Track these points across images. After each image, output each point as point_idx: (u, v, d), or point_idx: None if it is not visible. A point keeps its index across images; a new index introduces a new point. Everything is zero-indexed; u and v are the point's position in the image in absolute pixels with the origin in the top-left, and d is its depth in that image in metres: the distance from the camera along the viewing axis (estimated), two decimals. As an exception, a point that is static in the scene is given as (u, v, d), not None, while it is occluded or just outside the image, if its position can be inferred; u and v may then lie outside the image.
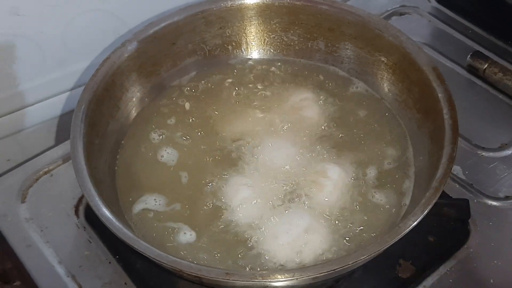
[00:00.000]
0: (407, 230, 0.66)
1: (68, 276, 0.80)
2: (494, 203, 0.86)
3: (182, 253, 0.75)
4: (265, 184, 0.81)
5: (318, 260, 0.73)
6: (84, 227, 0.85)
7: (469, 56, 1.02)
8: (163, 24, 0.89)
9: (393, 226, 0.75)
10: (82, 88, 0.82)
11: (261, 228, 0.77)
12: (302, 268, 0.70)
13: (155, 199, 0.81)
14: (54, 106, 1.05)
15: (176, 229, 0.77)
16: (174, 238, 0.77)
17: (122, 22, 1.01)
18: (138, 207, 0.80)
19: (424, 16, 1.12)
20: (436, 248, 0.81)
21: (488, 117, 0.97)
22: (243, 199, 0.79)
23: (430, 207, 0.68)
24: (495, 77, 0.99)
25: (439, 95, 0.78)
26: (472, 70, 1.02)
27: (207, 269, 0.65)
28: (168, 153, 0.86)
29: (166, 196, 0.81)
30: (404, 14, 1.13)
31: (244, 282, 0.65)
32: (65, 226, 0.85)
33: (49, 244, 0.83)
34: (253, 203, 0.79)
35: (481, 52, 1.02)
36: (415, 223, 0.67)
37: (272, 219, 0.77)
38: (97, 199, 0.70)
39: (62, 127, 1.07)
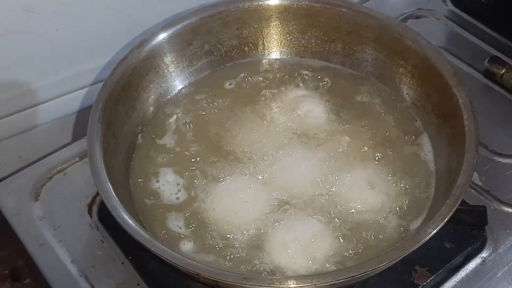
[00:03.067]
0: (427, 238, 0.66)
1: (81, 276, 0.80)
2: (511, 210, 0.85)
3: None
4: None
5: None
6: (97, 227, 0.85)
7: (486, 60, 1.01)
8: (180, 24, 0.88)
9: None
10: (96, 86, 0.81)
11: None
12: (320, 274, 0.69)
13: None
14: (67, 104, 1.05)
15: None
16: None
17: (136, 22, 1.00)
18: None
19: (440, 20, 1.12)
20: (452, 255, 0.80)
21: (505, 123, 0.96)
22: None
23: (450, 214, 0.67)
24: (512, 83, 0.98)
25: (460, 101, 0.77)
26: (489, 75, 1.01)
27: (225, 273, 0.64)
28: (188, 154, 0.85)
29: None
30: (420, 17, 1.12)
31: (262, 287, 0.64)
32: (78, 226, 0.85)
33: (61, 243, 0.83)
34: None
35: (498, 57, 1.02)
36: (435, 230, 0.66)
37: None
38: (114, 200, 0.69)
39: (76, 126, 1.07)
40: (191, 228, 0.77)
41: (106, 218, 0.83)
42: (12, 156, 1.03)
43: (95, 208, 0.86)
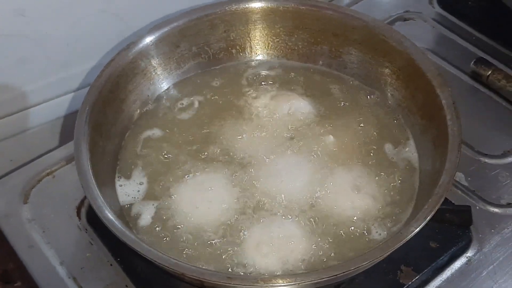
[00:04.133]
0: (410, 236, 0.66)
1: (69, 278, 0.80)
2: (496, 210, 0.86)
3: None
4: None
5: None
6: (86, 229, 0.85)
7: (472, 62, 1.01)
8: (168, 27, 0.89)
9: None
10: (86, 89, 0.82)
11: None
12: (304, 273, 0.70)
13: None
14: (58, 107, 1.05)
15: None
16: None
17: (126, 24, 1.01)
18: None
19: (428, 22, 1.12)
20: (438, 254, 0.80)
21: (491, 123, 0.96)
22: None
23: (432, 213, 0.68)
24: (498, 84, 0.98)
25: (443, 101, 0.78)
26: (475, 76, 1.01)
27: (209, 272, 0.65)
28: (169, 155, 0.86)
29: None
30: (408, 20, 1.12)
31: (246, 286, 0.64)
32: (67, 228, 0.85)
33: (50, 245, 0.83)
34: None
35: (484, 58, 1.02)
36: (418, 229, 0.67)
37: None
38: (99, 201, 0.70)
39: (65, 128, 1.07)
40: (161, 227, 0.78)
41: (94, 220, 0.83)
42: (3, 159, 1.04)
43: (83, 210, 0.87)
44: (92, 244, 0.83)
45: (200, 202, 0.79)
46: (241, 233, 0.77)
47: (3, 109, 0.99)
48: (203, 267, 0.70)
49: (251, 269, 0.73)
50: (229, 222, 0.78)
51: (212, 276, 0.64)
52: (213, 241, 0.76)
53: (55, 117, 1.06)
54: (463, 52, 1.06)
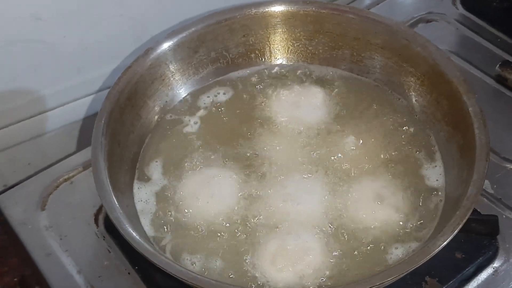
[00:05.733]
0: (436, 250, 0.65)
1: (87, 286, 0.79)
2: (523, 218, 0.84)
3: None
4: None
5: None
6: (104, 237, 0.84)
7: (498, 65, 0.99)
8: (186, 32, 0.88)
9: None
10: (104, 92, 0.81)
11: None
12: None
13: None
14: (75, 111, 1.05)
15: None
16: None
17: (143, 29, 1.00)
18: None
19: (451, 23, 1.10)
20: (463, 265, 0.78)
21: (518, 129, 0.94)
22: None
23: (460, 226, 0.66)
24: (524, 88, 0.97)
25: (470, 109, 0.76)
26: (500, 80, 0.99)
27: (229, 287, 0.64)
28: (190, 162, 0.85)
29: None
30: (430, 21, 1.10)
31: (267, 300, 0.63)
32: (84, 235, 0.84)
33: (68, 252, 0.83)
34: None
35: (510, 61, 1.00)
36: (445, 243, 0.65)
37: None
38: (118, 212, 0.69)
39: (83, 132, 1.07)
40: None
41: (112, 228, 0.82)
42: (21, 163, 1.04)
43: (101, 218, 0.86)
44: (110, 252, 0.83)
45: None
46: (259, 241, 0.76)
47: (20, 113, 0.99)
48: (225, 282, 0.68)
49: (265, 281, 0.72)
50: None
51: (232, 290, 0.63)
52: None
53: (72, 120, 1.05)
54: (487, 55, 1.04)
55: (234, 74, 0.94)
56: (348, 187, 0.81)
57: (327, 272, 0.72)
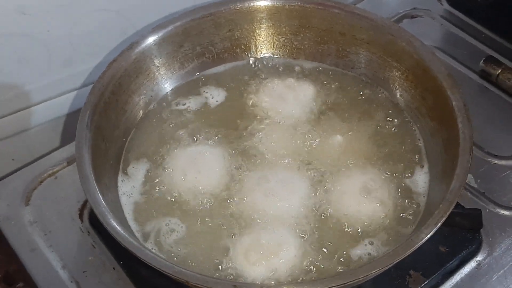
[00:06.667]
0: (420, 243, 0.65)
1: (72, 282, 0.79)
2: (506, 212, 0.84)
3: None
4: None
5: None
6: (88, 232, 0.84)
7: (482, 61, 1.00)
8: (171, 26, 0.87)
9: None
10: (88, 87, 0.81)
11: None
12: (311, 281, 0.69)
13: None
14: (60, 106, 1.04)
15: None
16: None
17: (129, 23, 0.99)
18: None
19: (436, 19, 1.11)
20: (447, 259, 0.79)
21: (501, 124, 0.95)
22: None
23: (443, 219, 0.66)
24: (508, 83, 0.97)
25: (454, 103, 0.76)
26: (484, 75, 1.00)
27: (214, 280, 0.64)
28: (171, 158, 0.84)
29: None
30: (415, 17, 1.11)
31: (252, 294, 0.63)
32: (69, 230, 0.84)
33: (52, 248, 0.82)
34: None
35: (494, 57, 1.01)
36: (428, 236, 0.65)
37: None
38: (102, 206, 0.68)
39: (67, 127, 1.06)
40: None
41: (97, 223, 0.82)
42: (5, 158, 1.03)
43: (86, 213, 0.86)
44: (94, 247, 0.82)
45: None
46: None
47: (4, 107, 0.98)
48: (210, 276, 0.68)
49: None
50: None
51: (216, 284, 0.63)
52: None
53: (57, 115, 1.05)
54: (472, 51, 1.05)
55: (219, 69, 0.94)
56: (332, 181, 0.81)
57: (307, 267, 0.72)
